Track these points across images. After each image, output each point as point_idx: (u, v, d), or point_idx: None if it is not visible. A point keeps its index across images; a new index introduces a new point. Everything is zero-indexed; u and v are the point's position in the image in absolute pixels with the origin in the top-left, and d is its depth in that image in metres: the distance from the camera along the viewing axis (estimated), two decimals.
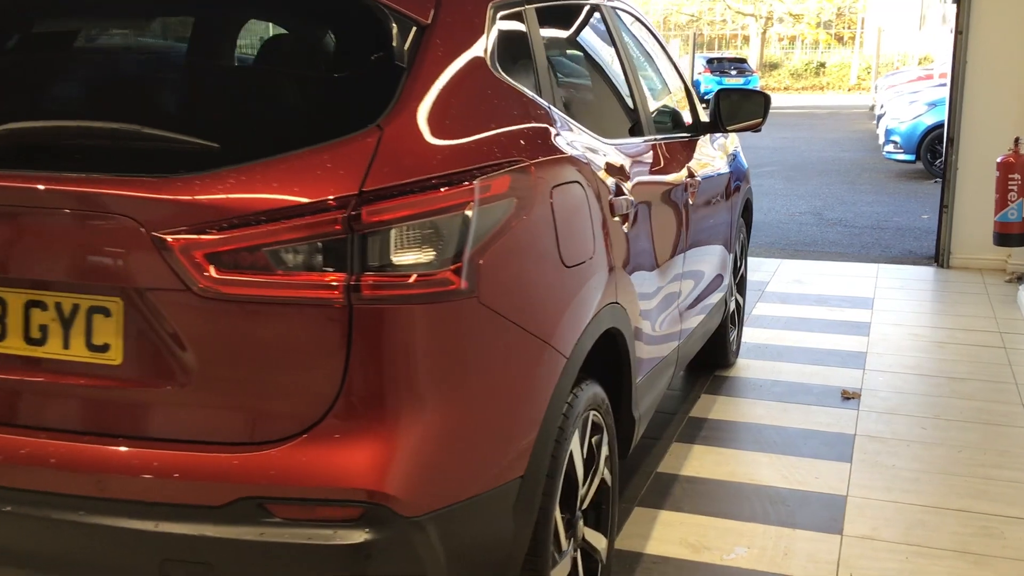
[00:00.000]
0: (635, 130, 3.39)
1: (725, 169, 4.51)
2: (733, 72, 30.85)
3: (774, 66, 43.72)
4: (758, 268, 7.47)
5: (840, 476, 3.78)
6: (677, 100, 4.39)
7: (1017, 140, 6.65)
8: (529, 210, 2.16)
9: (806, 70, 42.58)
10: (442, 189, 1.92)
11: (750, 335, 5.66)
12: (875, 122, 18.10)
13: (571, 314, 2.34)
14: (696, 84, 30.72)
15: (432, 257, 1.90)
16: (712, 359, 5.02)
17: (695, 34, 35.42)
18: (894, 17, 39.41)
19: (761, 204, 11.05)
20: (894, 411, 4.48)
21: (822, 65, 42.65)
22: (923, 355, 5.35)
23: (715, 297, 4.38)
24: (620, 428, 2.91)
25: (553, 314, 2.26)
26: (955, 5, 7.28)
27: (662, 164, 3.44)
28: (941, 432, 4.23)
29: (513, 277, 2.11)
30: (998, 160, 6.71)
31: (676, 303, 3.56)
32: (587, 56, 3.54)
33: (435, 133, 2.01)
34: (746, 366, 5.16)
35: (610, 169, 2.74)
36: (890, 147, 13.52)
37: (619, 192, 2.75)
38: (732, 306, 5.00)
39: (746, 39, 44.65)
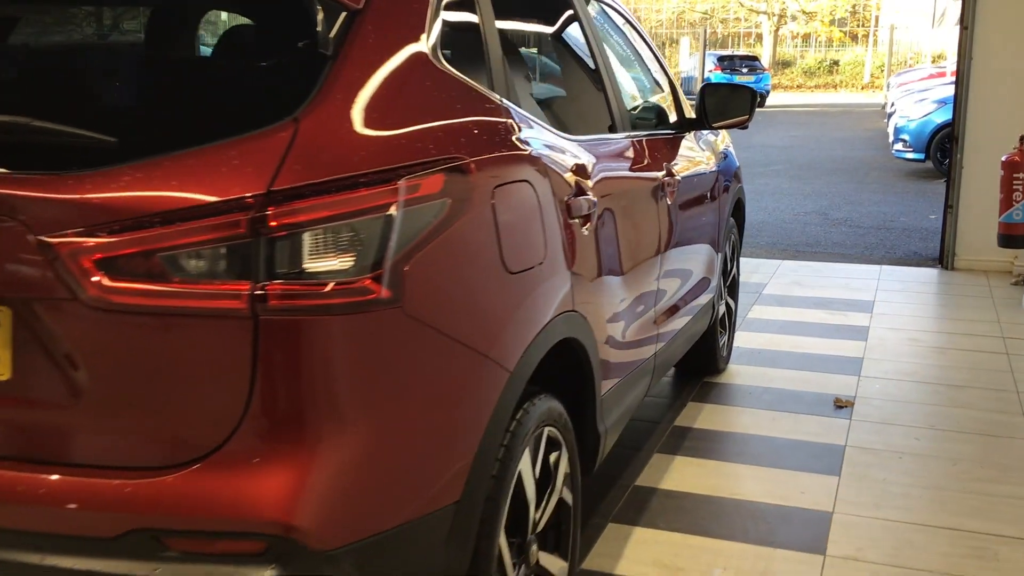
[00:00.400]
0: (607, 126, 3.21)
1: (712, 167, 4.33)
2: (744, 70, 30.58)
3: (787, 64, 43.41)
4: (757, 270, 7.29)
5: (827, 491, 3.59)
6: (660, 97, 4.22)
7: (1023, 138, 6.43)
8: (466, 212, 1.98)
9: (819, 68, 42.26)
10: (363, 189, 1.75)
11: (743, 339, 5.48)
12: (886, 120, 17.85)
13: (516, 324, 2.16)
14: (707, 82, 30.49)
15: (351, 264, 1.72)
16: (700, 365, 4.84)
17: (706, 31, 35.13)
18: (908, 14, 39.07)
19: (766, 204, 10.86)
20: (888, 421, 4.29)
21: (835, 63, 42.32)
22: (921, 361, 5.15)
23: (701, 300, 4.20)
24: (584, 443, 2.74)
25: (493, 325, 2.09)
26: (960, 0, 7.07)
27: (637, 162, 3.26)
28: (936, 444, 4.04)
29: (445, 285, 1.93)
30: (1003, 159, 6.49)
31: (652, 308, 3.39)
32: (553, 48, 3.37)
33: (360, 128, 1.83)
34: (737, 372, 4.98)
35: (570, 168, 2.56)
36: (899, 146, 13.29)
37: (579, 192, 2.57)
38: (722, 310, 4.82)
39: (759, 37, 44.35)
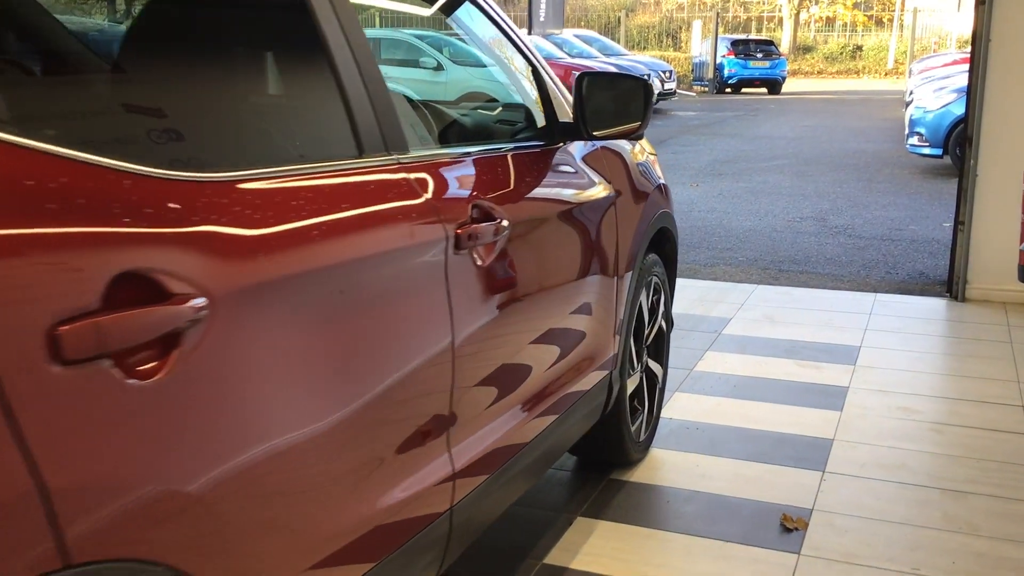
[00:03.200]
0: (352, 148, 1.93)
1: (603, 192, 3.02)
2: (759, 55, 29.07)
3: (807, 49, 41.82)
4: (723, 298, 5.97)
5: None
6: (517, 101, 2.93)
7: None
8: None
9: (841, 53, 40.66)
10: None
11: (680, 407, 4.19)
12: (904, 109, 16.40)
13: None
14: (720, 68, 29.05)
15: None
16: (603, 457, 3.56)
17: (718, 14, 33.58)
18: None
19: (759, 206, 9.55)
20: (852, 556, 2.99)
21: (858, 48, 40.72)
22: (911, 447, 3.83)
23: (580, 386, 2.92)
24: None
25: None
26: None
27: (395, 203, 1.97)
28: None
29: None
30: None
31: (442, 436, 2.10)
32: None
33: None
34: (660, 463, 3.68)
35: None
36: (914, 140, 11.88)
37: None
38: (633, 385, 3.53)
39: (780, 21, 42.74)
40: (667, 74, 23.24)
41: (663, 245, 3.80)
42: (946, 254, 6.63)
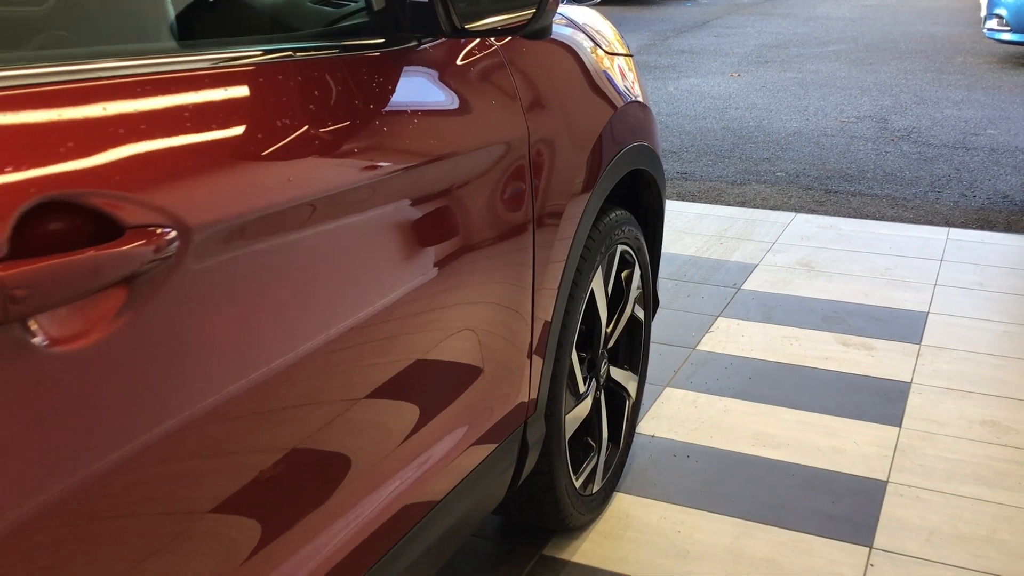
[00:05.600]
0: None
1: (494, 131, 1.74)
2: None
3: None
4: (750, 232, 4.67)
5: None
6: None
7: None
8: None
9: None
10: None
11: (668, 414, 2.97)
12: None
13: None
14: None
15: None
16: (532, 520, 2.38)
17: None
18: None
19: (808, 102, 8.11)
20: None
21: None
22: (999, 497, 2.58)
23: (435, 484, 1.69)
24: None
25: None
26: None
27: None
28: None
29: None
30: None
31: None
32: None
33: None
34: (621, 525, 2.48)
35: None
36: (993, 23, 10.22)
37: None
38: (589, 410, 2.30)
39: None
40: None
41: (640, 195, 2.52)
42: None
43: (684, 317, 3.67)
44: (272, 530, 1.26)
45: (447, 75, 1.63)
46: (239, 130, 1.17)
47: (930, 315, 3.71)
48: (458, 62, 1.66)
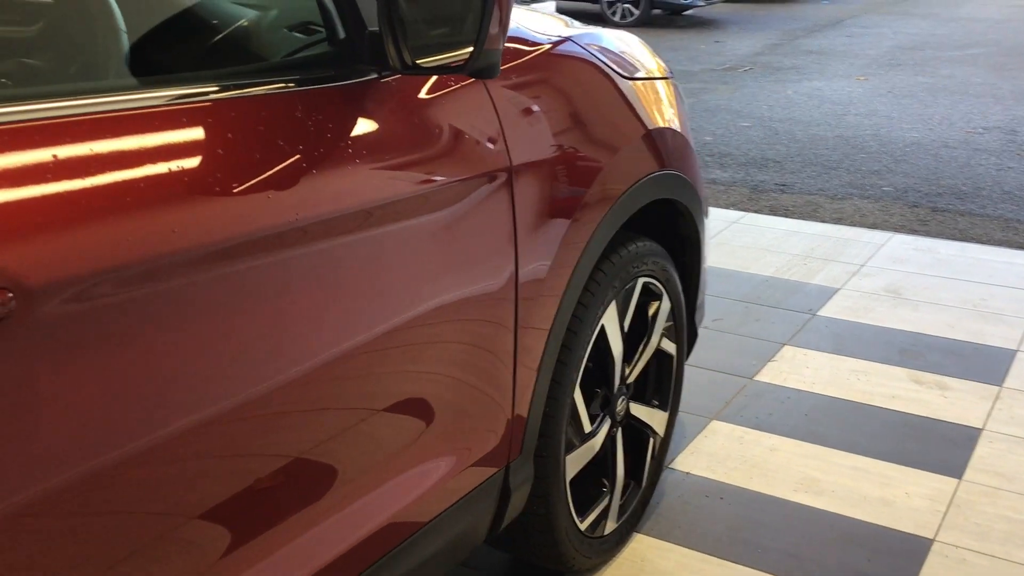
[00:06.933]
0: None
1: (494, 163, 1.66)
2: None
3: None
4: (837, 254, 4.44)
5: None
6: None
7: None
8: None
9: None
10: None
11: (709, 450, 2.82)
12: None
13: None
14: None
15: None
16: (531, 558, 2.29)
17: None
18: None
19: (934, 110, 7.70)
20: None
21: None
22: None
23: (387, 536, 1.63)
24: None
25: None
26: None
27: None
28: None
29: None
30: None
31: None
32: None
33: None
34: (633, 565, 2.35)
35: None
36: None
37: None
38: (596, 451, 2.19)
39: None
40: None
41: (673, 225, 2.39)
42: None
43: (747, 343, 3.49)
44: None
45: (412, 108, 1.55)
46: (127, 175, 1.11)
47: (1018, 353, 3.45)
48: (424, 94, 1.57)
